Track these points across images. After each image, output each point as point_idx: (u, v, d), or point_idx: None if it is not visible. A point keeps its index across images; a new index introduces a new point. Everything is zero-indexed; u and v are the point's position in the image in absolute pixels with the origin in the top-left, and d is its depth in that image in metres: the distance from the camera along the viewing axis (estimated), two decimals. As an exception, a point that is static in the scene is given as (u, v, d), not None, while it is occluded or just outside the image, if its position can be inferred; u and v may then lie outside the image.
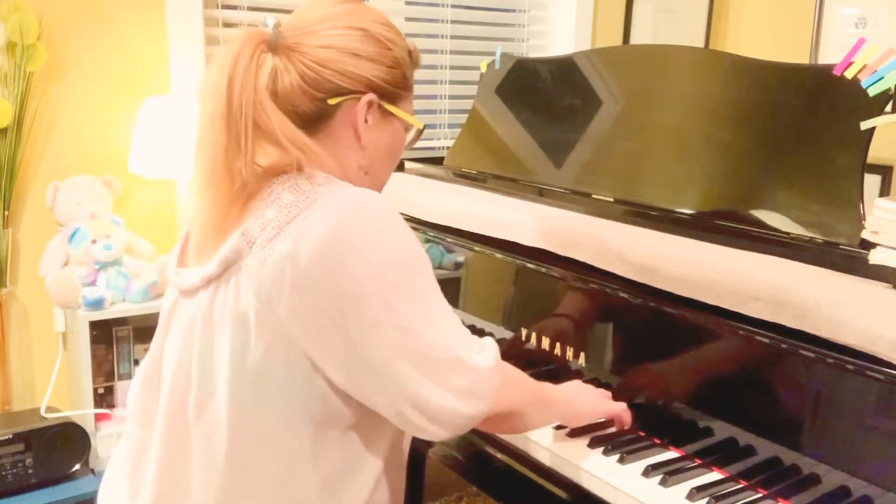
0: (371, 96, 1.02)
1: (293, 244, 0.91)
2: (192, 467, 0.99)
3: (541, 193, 1.61)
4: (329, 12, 1.03)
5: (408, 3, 2.47)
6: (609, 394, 1.30)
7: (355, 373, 0.94)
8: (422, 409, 0.94)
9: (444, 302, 0.99)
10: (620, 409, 1.26)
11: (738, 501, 1.09)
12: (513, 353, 1.51)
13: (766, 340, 1.09)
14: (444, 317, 0.97)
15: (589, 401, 1.25)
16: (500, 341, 1.52)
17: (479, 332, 1.54)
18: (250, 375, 0.94)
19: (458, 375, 0.95)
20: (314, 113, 1.00)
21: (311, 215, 0.92)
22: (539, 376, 1.44)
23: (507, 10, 2.63)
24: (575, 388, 1.27)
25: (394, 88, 1.04)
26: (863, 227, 1.12)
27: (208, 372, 0.97)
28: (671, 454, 1.21)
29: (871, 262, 1.08)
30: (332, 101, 1.00)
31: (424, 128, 1.11)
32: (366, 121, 1.03)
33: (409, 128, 1.09)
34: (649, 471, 1.14)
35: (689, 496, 1.09)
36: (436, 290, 0.98)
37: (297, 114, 0.99)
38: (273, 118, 0.96)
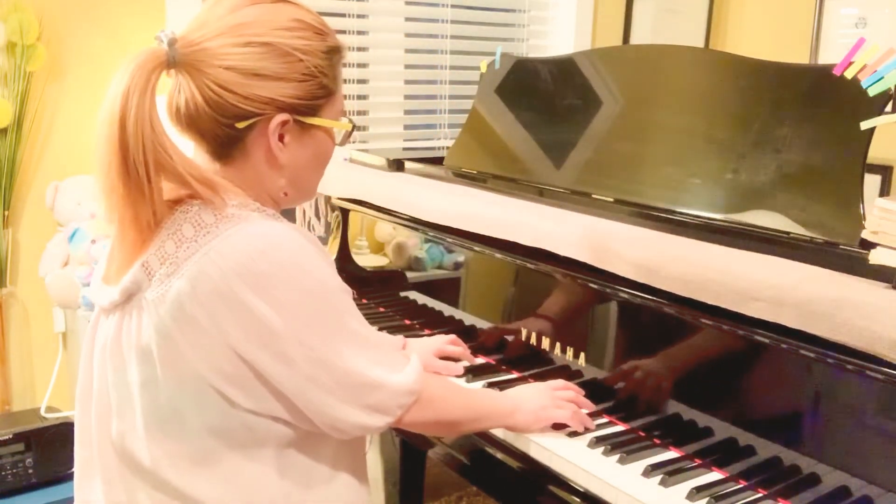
0: (283, 116, 0.93)
1: (190, 283, 0.87)
2: (135, 494, 0.95)
3: (541, 193, 1.61)
4: (230, 20, 0.91)
5: (408, 3, 2.47)
6: (563, 395, 1.25)
7: (262, 399, 0.92)
8: (327, 422, 0.94)
9: (361, 324, 0.96)
10: (566, 416, 1.22)
11: (738, 501, 1.09)
12: (513, 352, 1.51)
13: (766, 340, 1.09)
14: (361, 343, 0.94)
15: (530, 411, 1.20)
16: (500, 341, 1.54)
17: (478, 333, 1.55)
18: (164, 410, 0.91)
19: (370, 395, 0.94)
20: (224, 138, 0.92)
21: (211, 252, 0.87)
22: (538, 376, 1.44)
23: (507, 10, 2.63)
24: (521, 396, 1.22)
25: (310, 101, 0.94)
26: (863, 227, 1.12)
27: (125, 401, 0.94)
28: (671, 454, 1.21)
29: (871, 262, 1.08)
30: (240, 125, 0.91)
31: (355, 127, 1.02)
32: (281, 140, 0.94)
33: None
34: (649, 471, 1.14)
35: (689, 496, 1.09)
36: (349, 316, 0.95)
37: (205, 139, 0.93)
38: (175, 158, 0.87)
